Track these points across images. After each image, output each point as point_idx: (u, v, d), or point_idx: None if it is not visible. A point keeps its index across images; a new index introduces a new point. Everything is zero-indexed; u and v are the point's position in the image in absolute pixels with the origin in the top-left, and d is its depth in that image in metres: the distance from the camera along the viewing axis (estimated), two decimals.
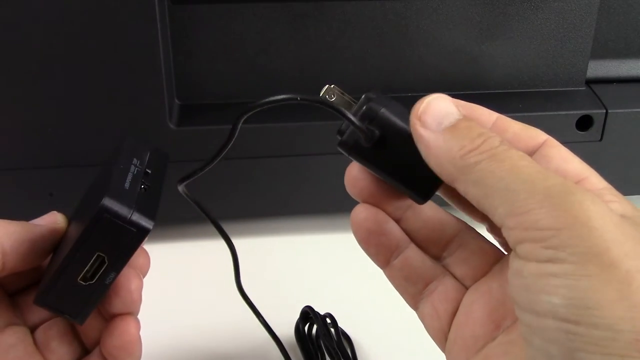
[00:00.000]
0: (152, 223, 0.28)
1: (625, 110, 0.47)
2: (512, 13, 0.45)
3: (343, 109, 0.27)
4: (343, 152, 0.29)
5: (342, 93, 0.29)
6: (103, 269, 0.28)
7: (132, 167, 0.30)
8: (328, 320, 0.40)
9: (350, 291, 0.45)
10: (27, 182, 0.44)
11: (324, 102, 0.28)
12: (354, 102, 0.29)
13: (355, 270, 0.45)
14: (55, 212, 0.32)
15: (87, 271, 0.28)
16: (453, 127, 0.25)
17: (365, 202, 0.29)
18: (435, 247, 0.29)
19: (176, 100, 0.45)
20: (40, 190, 0.44)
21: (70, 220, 0.32)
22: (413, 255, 0.29)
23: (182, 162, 0.45)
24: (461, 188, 0.24)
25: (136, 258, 0.32)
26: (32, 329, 0.32)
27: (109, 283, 0.28)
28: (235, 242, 0.34)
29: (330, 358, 0.38)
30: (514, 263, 0.22)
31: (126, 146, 0.31)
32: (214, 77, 0.45)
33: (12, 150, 0.43)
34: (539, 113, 0.46)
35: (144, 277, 0.33)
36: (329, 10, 0.44)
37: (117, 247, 0.28)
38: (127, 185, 0.29)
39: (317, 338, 0.40)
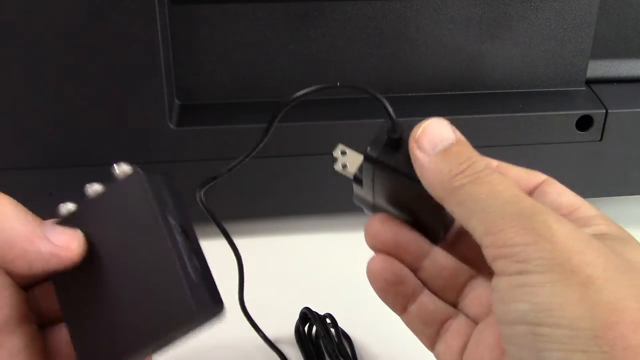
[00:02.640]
0: (224, 306, 0.28)
1: (625, 110, 0.47)
2: (512, 13, 0.45)
3: (384, 101, 0.28)
4: (360, 202, 0.32)
5: (351, 149, 0.31)
6: (169, 345, 0.28)
7: (177, 234, 0.28)
8: (328, 321, 0.40)
9: (350, 291, 0.45)
10: (27, 182, 0.44)
11: (363, 89, 0.28)
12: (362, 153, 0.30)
13: (355, 270, 0.45)
14: (76, 236, 0.29)
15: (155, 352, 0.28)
16: (445, 151, 0.27)
17: (384, 253, 0.31)
18: (450, 293, 0.31)
19: (176, 100, 0.45)
20: (40, 190, 0.44)
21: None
22: (428, 299, 0.31)
23: (182, 162, 0.45)
24: (448, 208, 0.27)
25: None
26: (46, 325, 0.31)
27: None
28: (236, 242, 0.34)
29: (329, 359, 0.38)
30: (493, 280, 0.25)
31: (153, 196, 0.29)
32: (214, 77, 0.45)
33: (12, 150, 0.43)
34: (539, 113, 0.46)
35: None
36: (329, 10, 0.44)
37: (191, 331, 0.28)
38: (191, 272, 0.27)
39: (317, 339, 0.40)
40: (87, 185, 0.30)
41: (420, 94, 0.47)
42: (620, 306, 0.23)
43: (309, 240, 0.49)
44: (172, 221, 0.29)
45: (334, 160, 0.32)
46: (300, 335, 0.40)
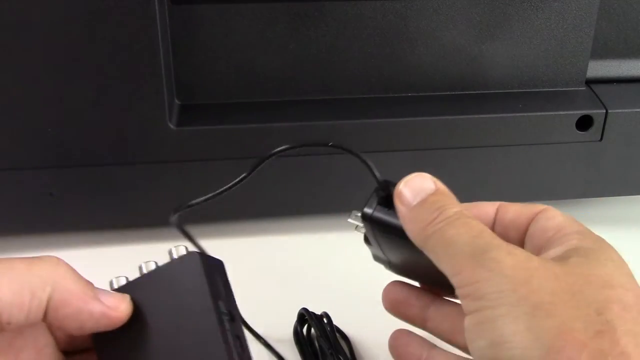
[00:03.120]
0: None
1: (625, 110, 0.47)
2: (512, 13, 0.45)
3: (368, 162, 0.32)
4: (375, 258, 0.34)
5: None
6: None
7: (225, 321, 0.29)
8: (325, 320, 0.40)
9: (349, 291, 0.45)
10: (27, 182, 0.44)
11: (349, 150, 0.32)
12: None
13: (353, 270, 0.45)
14: (125, 298, 0.30)
15: None
16: (422, 202, 0.29)
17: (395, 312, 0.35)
18: (460, 336, 0.32)
19: (176, 100, 0.45)
20: (40, 190, 0.44)
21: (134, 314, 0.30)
22: (439, 356, 0.33)
23: (182, 162, 0.45)
24: (428, 256, 0.28)
25: None
26: None
27: None
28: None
29: (324, 359, 0.38)
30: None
31: (208, 283, 0.30)
32: (214, 77, 0.45)
33: (12, 150, 0.43)
34: (539, 113, 0.46)
35: None
36: (329, 10, 0.44)
37: None
38: (236, 358, 0.29)
39: (315, 339, 0.40)
40: (143, 263, 0.31)
41: (420, 94, 0.47)
42: (566, 329, 0.24)
43: (308, 240, 0.49)
44: (222, 308, 0.29)
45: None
46: (299, 337, 0.40)
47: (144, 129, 0.43)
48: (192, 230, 0.49)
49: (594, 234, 0.30)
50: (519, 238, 0.32)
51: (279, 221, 0.50)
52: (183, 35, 0.43)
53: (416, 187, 0.30)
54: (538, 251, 0.30)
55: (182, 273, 0.30)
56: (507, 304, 0.25)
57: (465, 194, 0.49)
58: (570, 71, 0.48)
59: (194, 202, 0.33)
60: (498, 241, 0.27)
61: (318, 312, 0.41)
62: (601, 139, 0.47)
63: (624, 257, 0.29)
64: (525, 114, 0.46)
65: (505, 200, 0.50)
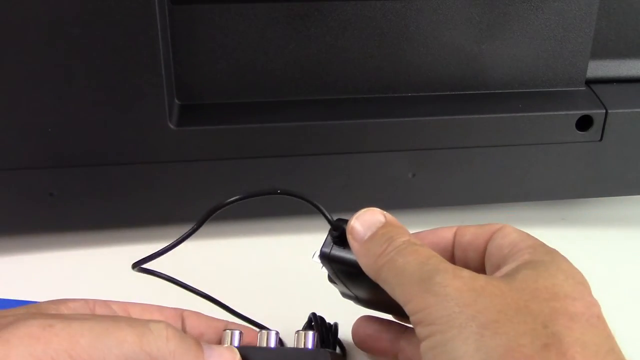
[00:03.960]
0: None
1: (625, 110, 0.47)
2: (512, 13, 0.45)
3: (318, 205, 0.33)
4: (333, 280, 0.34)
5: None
6: None
7: None
8: (332, 329, 0.39)
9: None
10: (27, 182, 0.44)
11: (303, 197, 0.33)
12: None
13: None
14: (235, 357, 0.31)
15: None
16: (373, 235, 0.30)
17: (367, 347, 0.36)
18: None
19: (176, 100, 0.45)
20: (40, 190, 0.44)
21: None
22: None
23: (182, 162, 0.45)
24: (382, 287, 0.29)
25: None
26: None
27: None
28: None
29: None
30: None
31: None
32: (214, 77, 0.45)
33: (12, 150, 0.43)
34: (539, 113, 0.46)
35: None
36: (329, 10, 0.44)
37: None
38: None
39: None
40: (263, 331, 0.32)
41: (420, 94, 0.47)
42: (514, 345, 0.24)
43: (310, 241, 0.49)
44: None
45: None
46: None
47: (144, 129, 0.43)
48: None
49: (547, 246, 0.30)
50: (479, 259, 0.32)
51: (278, 221, 0.50)
52: (183, 35, 0.43)
53: (367, 222, 0.30)
54: (495, 269, 0.30)
55: None
56: (456, 327, 0.25)
57: (465, 194, 0.49)
58: (570, 71, 0.48)
59: (149, 255, 0.33)
60: (445, 265, 0.27)
61: (330, 317, 0.40)
62: (601, 139, 0.47)
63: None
64: (525, 114, 0.46)
65: (507, 202, 0.51)
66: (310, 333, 0.31)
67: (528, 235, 0.31)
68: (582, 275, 0.29)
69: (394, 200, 0.48)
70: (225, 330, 0.33)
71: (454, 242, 0.33)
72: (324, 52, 0.45)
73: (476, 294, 0.26)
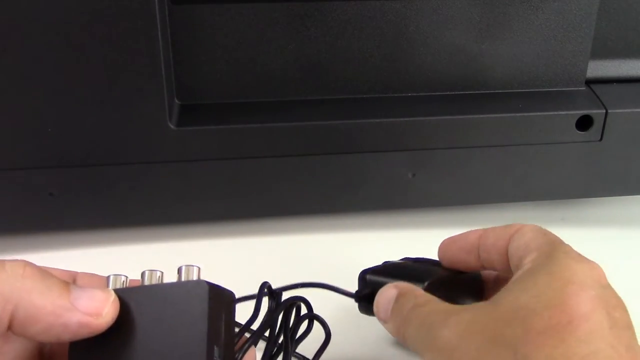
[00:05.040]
0: None
1: (625, 110, 0.47)
2: (512, 13, 0.45)
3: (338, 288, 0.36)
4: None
5: None
6: None
7: None
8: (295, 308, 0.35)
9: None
10: (27, 182, 0.44)
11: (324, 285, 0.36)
12: None
13: (353, 270, 0.44)
14: (108, 299, 0.28)
15: None
16: (392, 312, 0.32)
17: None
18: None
19: (176, 100, 0.45)
20: (40, 190, 0.44)
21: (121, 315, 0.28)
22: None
23: (182, 162, 0.45)
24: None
25: None
26: None
27: None
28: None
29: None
30: None
31: (209, 320, 0.27)
32: (214, 77, 0.45)
33: (12, 150, 0.43)
34: (539, 113, 0.46)
35: None
36: (329, 10, 0.44)
37: None
38: None
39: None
40: (147, 270, 0.29)
41: (420, 94, 0.47)
42: None
43: (311, 240, 0.49)
44: (216, 354, 0.27)
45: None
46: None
47: (144, 129, 0.43)
48: (192, 229, 0.49)
49: (551, 247, 0.30)
50: (503, 260, 0.33)
51: (278, 221, 0.50)
52: (183, 35, 0.43)
53: (384, 302, 0.33)
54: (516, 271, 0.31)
55: (185, 300, 0.28)
56: None
57: (465, 194, 0.49)
58: (570, 71, 0.48)
59: None
60: (440, 317, 0.29)
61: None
62: (601, 139, 0.47)
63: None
64: (525, 114, 0.46)
65: (507, 202, 0.51)
66: (195, 267, 0.29)
67: (540, 233, 0.31)
68: (577, 271, 0.28)
69: (394, 200, 0.48)
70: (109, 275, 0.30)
71: (478, 245, 0.34)
72: (324, 52, 0.45)
73: (460, 337, 0.27)
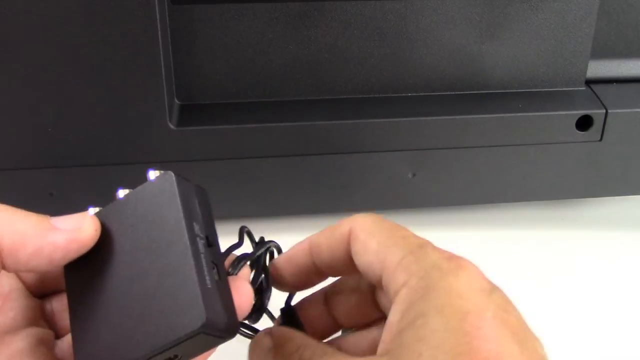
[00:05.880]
0: (239, 326, 0.27)
1: (625, 110, 0.47)
2: (512, 13, 0.45)
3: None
4: None
5: None
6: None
7: (199, 242, 0.27)
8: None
9: None
10: (27, 182, 0.44)
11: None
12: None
13: None
14: (86, 215, 0.28)
15: None
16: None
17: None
18: None
19: (176, 100, 0.45)
20: (40, 190, 0.44)
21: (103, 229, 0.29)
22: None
23: (182, 162, 0.45)
24: None
25: None
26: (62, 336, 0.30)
27: None
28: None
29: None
30: None
31: (181, 200, 0.28)
32: (214, 77, 0.45)
33: (12, 150, 0.43)
34: (539, 113, 0.46)
35: None
36: (329, 10, 0.44)
37: (199, 349, 0.26)
38: (208, 281, 0.26)
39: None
40: (120, 189, 0.30)
41: (420, 94, 0.47)
42: None
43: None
44: (197, 229, 0.27)
45: None
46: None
47: (144, 129, 0.43)
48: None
49: (419, 265, 0.26)
50: (348, 266, 0.29)
51: (279, 221, 0.50)
52: (183, 35, 0.43)
53: (258, 356, 0.29)
54: (384, 296, 0.28)
55: (156, 194, 0.28)
56: None
57: (465, 194, 0.49)
58: (570, 71, 0.48)
59: None
60: None
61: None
62: (601, 139, 0.47)
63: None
64: (525, 114, 0.46)
65: (507, 202, 0.50)
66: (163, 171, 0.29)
67: (388, 238, 0.27)
68: (462, 291, 0.25)
69: (394, 200, 0.48)
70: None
71: (314, 263, 0.30)
72: (324, 52, 0.45)
73: None
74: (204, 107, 0.45)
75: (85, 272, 0.28)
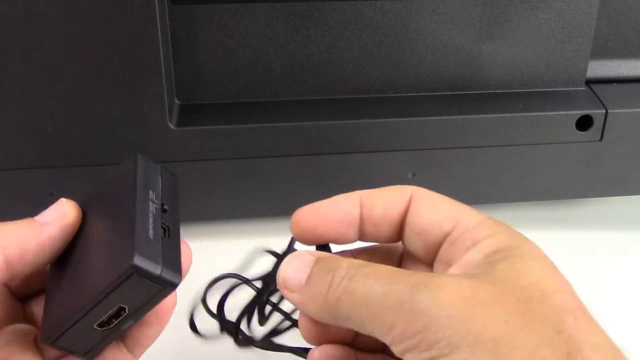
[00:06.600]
0: (180, 277, 0.27)
1: (625, 110, 0.47)
2: (512, 13, 0.45)
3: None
4: None
5: None
6: (122, 317, 0.27)
7: (151, 204, 0.28)
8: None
9: None
10: (27, 182, 0.44)
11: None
12: None
13: None
14: (63, 201, 0.30)
15: (105, 319, 0.27)
16: (309, 279, 0.26)
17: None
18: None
19: (176, 100, 0.45)
20: (40, 190, 0.44)
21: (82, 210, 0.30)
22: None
23: (182, 162, 0.45)
24: (344, 326, 0.25)
25: None
26: None
27: (125, 329, 0.27)
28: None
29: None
30: None
31: (140, 172, 0.29)
32: (214, 77, 0.45)
33: (12, 150, 0.43)
34: (539, 113, 0.46)
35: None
36: (329, 10, 0.44)
37: (141, 299, 0.26)
38: (151, 233, 0.26)
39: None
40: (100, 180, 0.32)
41: (420, 94, 0.47)
42: (539, 356, 0.22)
43: None
44: (152, 195, 0.29)
45: None
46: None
47: (144, 129, 0.43)
48: (190, 229, 0.49)
49: (502, 225, 0.27)
50: (393, 232, 0.29)
51: (279, 221, 0.50)
52: (183, 35, 0.43)
53: (296, 270, 0.27)
54: (433, 249, 0.28)
55: (122, 172, 0.30)
56: (464, 347, 0.22)
57: (465, 194, 0.49)
58: (570, 71, 0.48)
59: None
60: (416, 277, 0.24)
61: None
62: (601, 139, 0.47)
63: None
64: (525, 114, 0.46)
65: (507, 202, 0.50)
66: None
67: (458, 205, 0.28)
68: (548, 258, 0.26)
69: None
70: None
71: (361, 217, 0.29)
72: (324, 52, 0.45)
73: (471, 304, 0.23)
74: (204, 107, 0.45)
75: (61, 259, 0.30)
